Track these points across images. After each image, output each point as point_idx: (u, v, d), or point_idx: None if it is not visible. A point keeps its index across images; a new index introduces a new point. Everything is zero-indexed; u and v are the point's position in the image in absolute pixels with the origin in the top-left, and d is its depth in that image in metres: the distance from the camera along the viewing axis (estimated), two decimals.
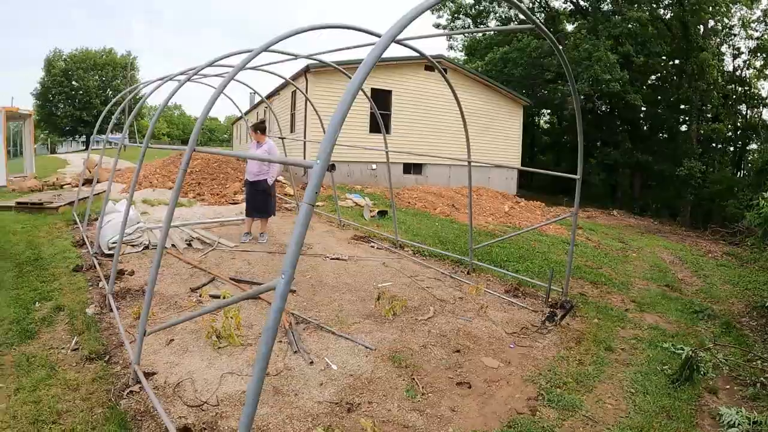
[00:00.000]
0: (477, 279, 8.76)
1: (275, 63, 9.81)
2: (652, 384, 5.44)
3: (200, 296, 7.26)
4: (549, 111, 46.11)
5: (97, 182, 12.28)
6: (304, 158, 20.88)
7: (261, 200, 10.46)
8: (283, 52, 8.36)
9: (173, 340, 5.95)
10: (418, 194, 19.84)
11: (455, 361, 5.78)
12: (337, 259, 9.68)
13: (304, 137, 20.28)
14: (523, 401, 5.01)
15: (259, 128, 10.24)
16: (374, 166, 22.43)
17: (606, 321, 7.17)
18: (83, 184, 14.48)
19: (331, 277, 8.57)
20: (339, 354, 5.80)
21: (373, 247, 11.02)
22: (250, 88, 13.63)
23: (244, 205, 11.02)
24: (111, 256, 8.68)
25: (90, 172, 16.68)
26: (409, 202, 18.37)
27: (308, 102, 13.68)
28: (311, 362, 5.54)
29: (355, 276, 8.72)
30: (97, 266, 8.27)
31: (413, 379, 5.34)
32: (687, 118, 36.60)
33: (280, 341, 6.00)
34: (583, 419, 4.71)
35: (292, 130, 23.97)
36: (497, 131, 25.64)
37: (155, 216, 12.17)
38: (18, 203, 13.75)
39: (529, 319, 7.16)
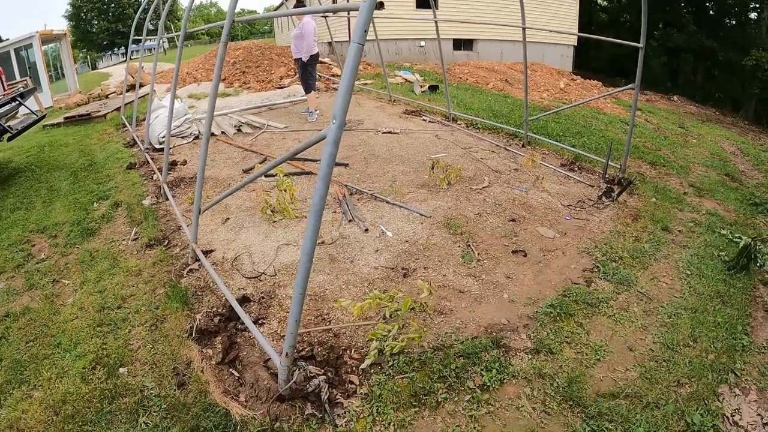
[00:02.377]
0: (532, 152, 8.41)
1: None
2: (708, 268, 5.16)
3: None
4: None
5: (141, 86, 12.20)
6: (349, 35, 19.95)
7: (301, 77, 10.58)
8: None
9: (229, 218, 5.98)
10: (469, 69, 18.97)
11: (511, 230, 5.65)
12: (389, 132, 9.47)
13: (348, 15, 19.40)
14: (578, 272, 4.90)
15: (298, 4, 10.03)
16: (422, 43, 21.30)
17: (664, 202, 6.81)
18: (127, 91, 14.44)
19: (384, 150, 8.41)
20: (394, 222, 5.72)
21: (425, 120, 10.71)
22: None
23: (290, 89, 10.94)
24: (162, 150, 8.71)
25: (133, 77, 16.64)
26: (460, 78, 17.65)
27: None
28: (366, 230, 5.48)
29: (408, 148, 8.51)
30: (150, 161, 8.29)
31: (469, 245, 5.26)
32: (759, 5, 32.64)
33: (334, 211, 5.97)
34: (638, 295, 4.59)
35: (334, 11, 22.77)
36: (551, 4, 23.10)
37: (202, 108, 11.97)
38: (66, 118, 13.85)
39: (585, 193, 6.90)
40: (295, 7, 9.98)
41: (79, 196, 7.44)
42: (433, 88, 14.34)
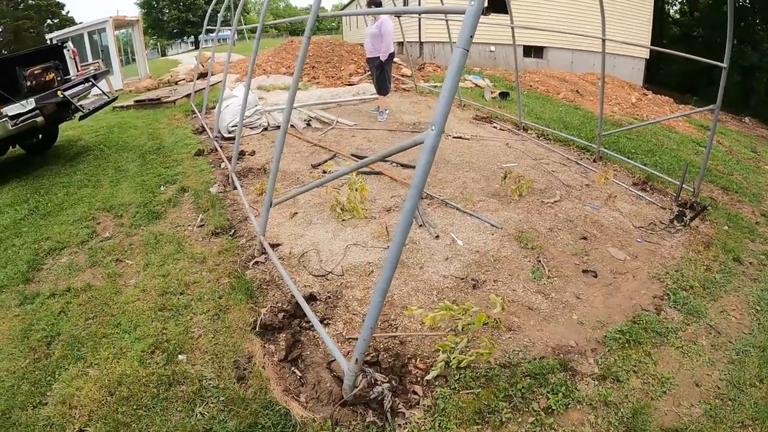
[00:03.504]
0: (604, 168, 8.16)
1: None
2: None
3: (323, 172, 7.17)
4: None
5: (211, 75, 12.35)
6: (419, 36, 20.11)
7: (375, 77, 10.37)
8: None
9: (297, 213, 5.93)
10: (540, 78, 18.62)
11: (581, 248, 5.44)
12: (460, 137, 9.30)
13: (419, 16, 19.33)
14: (648, 298, 4.70)
15: (374, 3, 9.85)
16: (492, 48, 21.04)
17: (735, 230, 6.49)
18: (197, 78, 14.66)
19: (454, 155, 8.25)
20: (464, 230, 5.58)
21: (495, 127, 10.49)
22: None
23: (360, 86, 10.83)
24: (231, 139, 8.78)
25: (203, 66, 16.91)
26: (530, 86, 17.27)
27: None
28: (437, 237, 5.35)
29: (478, 155, 8.34)
30: (219, 149, 8.36)
31: (539, 261, 5.08)
32: None
33: None
34: (707, 328, 4.35)
35: (405, 4, 22.78)
36: (624, 15, 22.15)
37: (271, 101, 12.11)
38: (136, 101, 14.20)
39: (656, 215, 6.62)
40: (368, 3, 9.87)
41: (147, 178, 7.55)
42: (504, 95, 14.06)
